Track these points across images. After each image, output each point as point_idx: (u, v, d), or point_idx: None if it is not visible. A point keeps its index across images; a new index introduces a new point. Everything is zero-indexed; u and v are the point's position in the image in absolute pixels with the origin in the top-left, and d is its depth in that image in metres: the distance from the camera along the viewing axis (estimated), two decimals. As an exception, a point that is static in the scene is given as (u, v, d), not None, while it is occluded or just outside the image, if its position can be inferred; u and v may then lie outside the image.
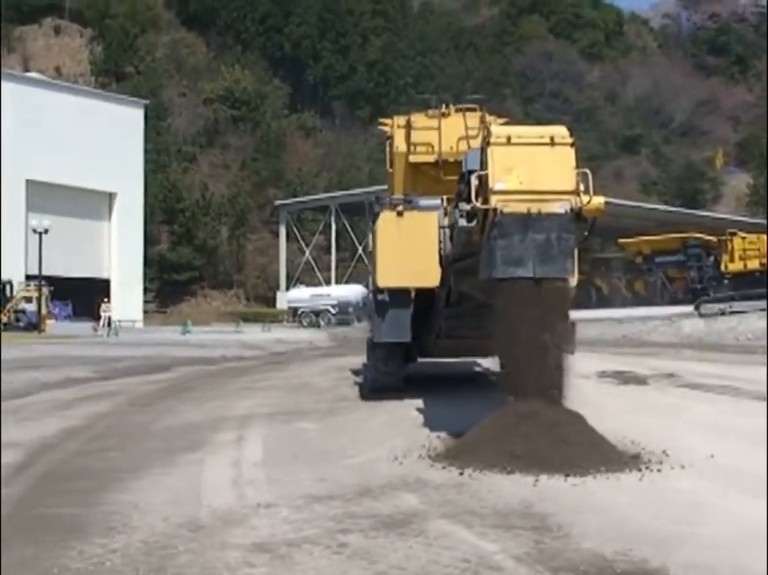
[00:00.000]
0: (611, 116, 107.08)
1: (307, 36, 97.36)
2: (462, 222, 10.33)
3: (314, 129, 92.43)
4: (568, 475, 8.55)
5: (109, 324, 48.63)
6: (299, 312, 58.11)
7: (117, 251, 62.30)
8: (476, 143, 16.65)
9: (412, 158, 16.81)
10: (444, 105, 17.60)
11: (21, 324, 48.15)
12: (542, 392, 9.53)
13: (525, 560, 6.10)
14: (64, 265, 55.16)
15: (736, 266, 44.70)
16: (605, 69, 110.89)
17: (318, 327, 54.02)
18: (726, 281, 44.89)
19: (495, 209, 9.61)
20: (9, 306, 49.21)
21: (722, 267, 46.16)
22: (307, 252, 72.62)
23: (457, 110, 17.37)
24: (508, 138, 9.83)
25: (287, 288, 67.85)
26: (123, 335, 44.61)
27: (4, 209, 52.88)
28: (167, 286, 72.31)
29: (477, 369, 18.53)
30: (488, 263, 9.82)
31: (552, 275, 9.62)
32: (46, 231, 47.39)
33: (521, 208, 9.58)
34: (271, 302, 71.15)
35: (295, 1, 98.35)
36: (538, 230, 9.58)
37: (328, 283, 67.58)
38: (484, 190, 9.76)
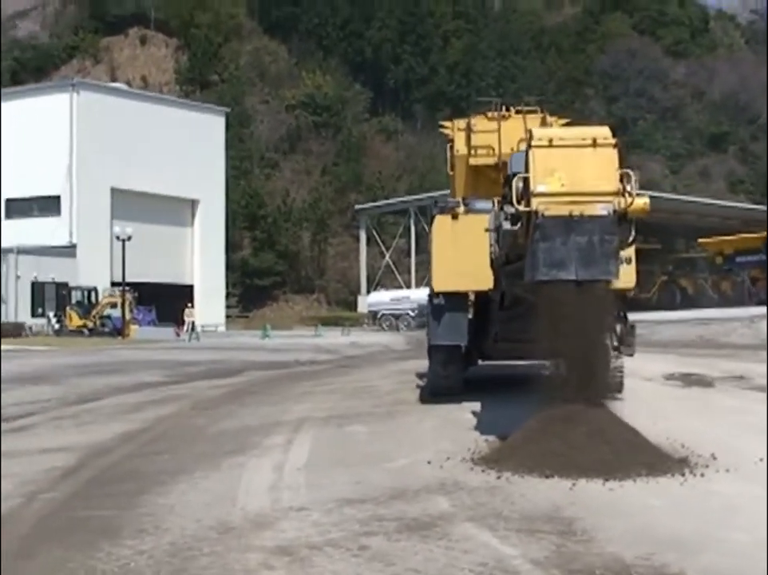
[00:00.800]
0: (696, 113, 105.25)
1: (388, 40, 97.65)
2: (506, 225, 10.32)
3: (395, 133, 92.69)
4: (607, 479, 8.49)
5: (193, 329, 49.39)
6: (379, 316, 58.26)
7: (200, 257, 63.32)
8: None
9: (472, 161, 16.78)
10: (504, 108, 17.50)
11: (107, 329, 49.23)
12: (584, 395, 9.48)
13: (543, 564, 6.08)
14: (148, 271, 56.21)
15: (819, 265, 43.69)
16: (690, 66, 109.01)
17: (398, 330, 54.15)
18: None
19: (536, 212, 9.58)
20: (94, 312, 50.29)
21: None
22: (387, 256, 72.80)
23: (517, 112, 17.20)
24: (550, 140, 9.77)
25: (368, 292, 68.11)
26: (204, 340, 45.30)
27: (89, 217, 54.13)
28: (250, 291, 73.22)
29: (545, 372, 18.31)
30: (531, 266, 9.77)
31: (595, 277, 9.56)
32: (129, 239, 48.34)
33: (563, 210, 9.52)
34: (352, 306, 71.50)
35: (376, 5, 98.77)
36: (580, 232, 9.51)
37: (408, 286, 67.65)
38: (526, 193, 9.74)
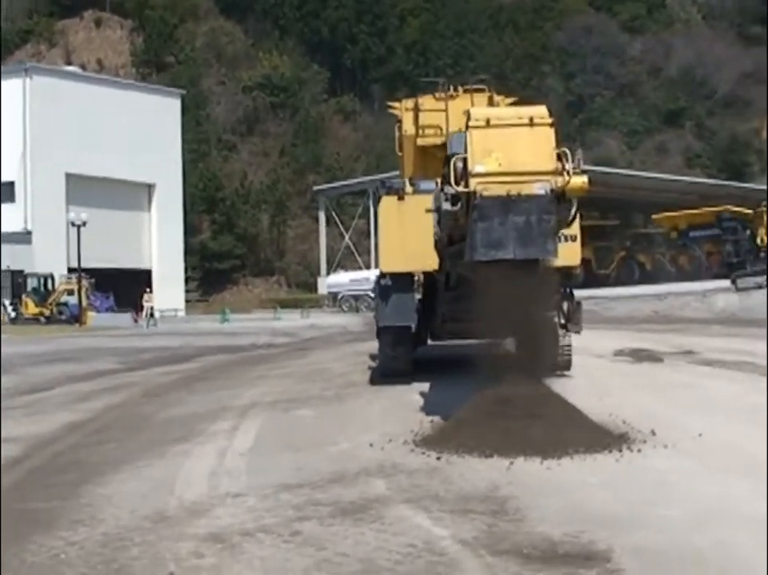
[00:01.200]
0: (653, 89, 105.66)
1: (344, 19, 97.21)
2: (446, 206, 10.30)
3: (353, 113, 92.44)
4: (544, 457, 8.54)
5: (152, 315, 49.11)
6: (339, 297, 58.21)
7: (158, 242, 62.94)
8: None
9: (420, 141, 16.75)
10: (451, 87, 17.48)
11: (64, 317, 48.84)
12: (523, 373, 9.53)
13: (471, 544, 6.11)
14: (105, 257, 55.76)
15: (773, 239, 44.13)
16: (647, 42, 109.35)
17: (358, 311, 54.12)
18: (762, 254, 44.26)
19: (475, 192, 9.59)
20: (51, 299, 49.86)
21: (759, 241, 45.52)
22: (347, 237, 72.74)
23: (465, 91, 17.17)
24: (488, 120, 9.77)
25: (328, 273, 68.02)
26: (162, 326, 45.10)
27: (44, 203, 53.58)
28: (209, 275, 72.91)
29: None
30: (470, 246, 9.80)
31: (532, 256, 9.59)
32: (84, 224, 47.93)
33: (501, 190, 9.54)
34: (313, 288, 71.40)
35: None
36: (518, 212, 9.53)
37: (368, 267, 67.59)
38: (465, 173, 9.75)
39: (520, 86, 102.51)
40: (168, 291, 60.50)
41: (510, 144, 9.67)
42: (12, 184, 55.32)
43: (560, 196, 9.96)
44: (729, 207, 52.80)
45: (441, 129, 16.59)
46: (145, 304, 51.33)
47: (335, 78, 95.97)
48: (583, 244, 46.35)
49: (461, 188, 9.73)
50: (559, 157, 9.87)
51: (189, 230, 67.76)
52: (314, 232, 75.65)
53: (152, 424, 12.03)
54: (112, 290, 54.39)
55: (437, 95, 17.19)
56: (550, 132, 9.73)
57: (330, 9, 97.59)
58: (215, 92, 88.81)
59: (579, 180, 10.18)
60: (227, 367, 20.36)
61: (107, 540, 6.56)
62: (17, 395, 16.45)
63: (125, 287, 54.86)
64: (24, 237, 53.94)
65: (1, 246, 51.89)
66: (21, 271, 52.13)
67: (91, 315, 48.10)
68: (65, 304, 49.52)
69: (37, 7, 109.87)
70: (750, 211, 49.09)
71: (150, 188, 63.09)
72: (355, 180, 74.93)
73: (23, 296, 50.29)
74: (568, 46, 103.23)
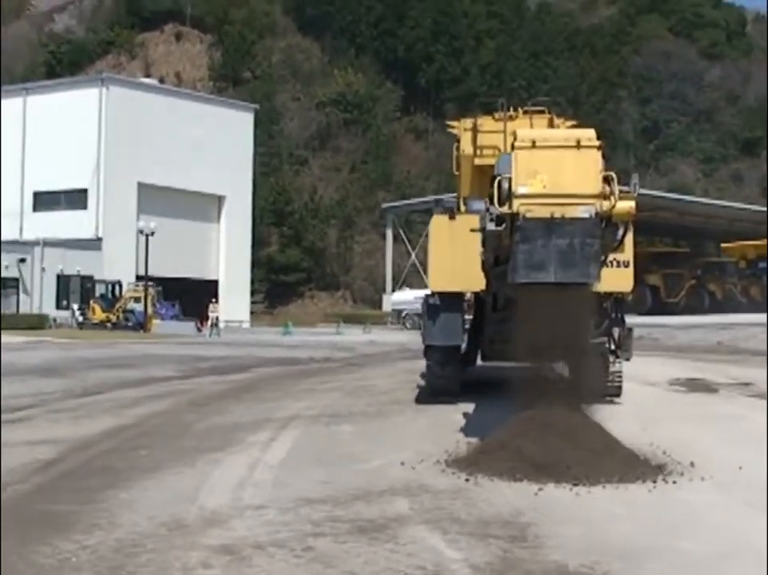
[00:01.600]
0: (731, 117, 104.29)
1: (421, 39, 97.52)
2: (491, 226, 10.20)
3: (425, 132, 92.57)
4: (575, 484, 8.38)
5: (216, 325, 49.50)
6: (403, 314, 58.07)
7: (225, 253, 63.51)
8: (543, 146, 16.58)
9: (477, 161, 16.63)
10: (511, 108, 17.36)
11: (130, 324, 49.39)
12: (561, 398, 9.39)
13: (482, 569, 5.99)
14: (174, 266, 56.43)
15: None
16: (726, 69, 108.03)
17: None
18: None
19: (518, 213, 9.50)
20: (117, 305, 50.53)
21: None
22: (413, 255, 72.63)
23: (525, 113, 17.04)
24: (533, 142, 9.67)
25: (393, 290, 67.99)
26: (226, 336, 45.41)
27: (116, 211, 54.43)
28: (276, 287, 73.37)
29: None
30: (512, 268, 9.70)
31: (574, 280, 9.44)
32: (153, 233, 48.55)
33: (544, 212, 9.42)
34: (377, 304, 71.44)
35: (409, 4, 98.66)
36: (561, 234, 9.41)
37: (434, 286, 67.29)
38: (509, 194, 9.66)
39: (594, 110, 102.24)
40: (234, 302, 61.02)
41: (556, 166, 9.55)
42: (85, 191, 56.32)
43: (606, 220, 9.82)
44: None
45: (499, 150, 16.47)
46: (211, 314, 51.72)
47: (409, 97, 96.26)
48: (650, 272, 45.94)
49: (505, 209, 9.64)
50: (606, 180, 9.74)
51: (257, 242, 68.29)
52: (381, 249, 75.80)
53: (191, 432, 12.06)
54: (180, 299, 54.92)
55: (496, 116, 17.05)
56: (597, 155, 9.59)
57: (406, 28, 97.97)
58: (290, 107, 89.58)
59: (627, 205, 10.02)
60: (280, 379, 20.38)
61: (120, 545, 6.56)
62: (67, 398, 16.66)
63: (192, 297, 55.32)
64: (94, 244, 54.81)
65: (73, 252, 52.86)
66: (91, 277, 52.98)
67: (156, 322, 48.61)
68: (132, 311, 50.11)
69: (119, 19, 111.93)
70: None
71: (220, 199, 63.72)
72: (424, 199, 74.83)
73: (91, 302, 51.04)
74: (645, 71, 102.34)
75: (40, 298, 52.22)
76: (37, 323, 49.06)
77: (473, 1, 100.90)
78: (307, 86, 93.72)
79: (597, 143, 9.64)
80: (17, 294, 51.71)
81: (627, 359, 14.80)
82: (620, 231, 10.52)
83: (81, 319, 51.04)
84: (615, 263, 14.08)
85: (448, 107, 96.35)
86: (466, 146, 16.89)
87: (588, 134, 9.77)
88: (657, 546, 6.56)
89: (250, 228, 65.15)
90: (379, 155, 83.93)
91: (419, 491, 8.16)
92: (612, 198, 9.52)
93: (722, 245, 58.78)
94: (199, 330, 48.26)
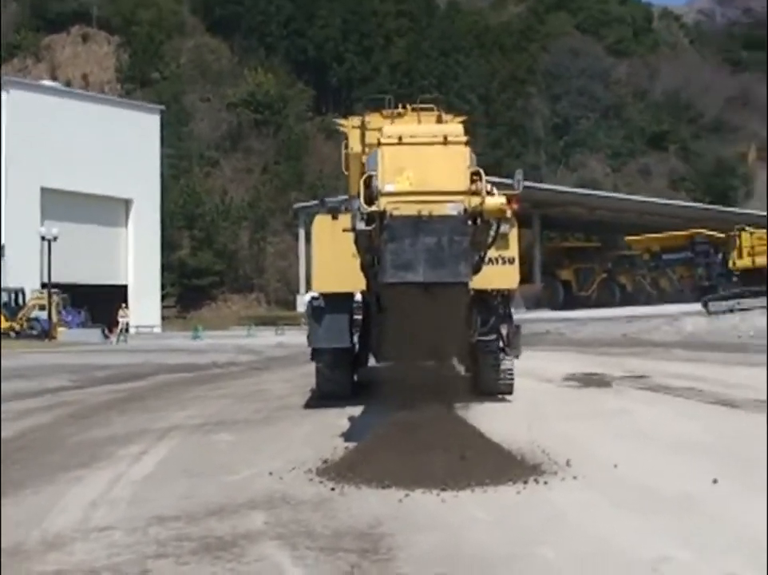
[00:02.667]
0: (639, 112, 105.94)
1: (331, 38, 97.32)
2: (361, 225, 9.93)
3: (337, 132, 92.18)
4: (444, 489, 8.15)
5: (127, 330, 48.66)
6: (316, 315, 57.38)
7: (134, 257, 62.57)
8: (431, 143, 16.40)
9: (365, 159, 16.39)
10: (400, 105, 17.16)
11: (35, 332, 48.28)
12: (433, 400, 9.15)
13: (324, 588, 5.72)
14: (82, 272, 55.35)
15: (744, 262, 43.89)
16: (633, 64, 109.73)
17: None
18: (734, 278, 44.11)
19: (384, 212, 9.25)
20: (21, 314, 49.37)
21: (731, 264, 45.36)
22: (327, 255, 72.16)
23: (413, 110, 16.83)
24: (399, 138, 9.43)
25: (307, 291, 67.45)
26: (133, 342, 44.64)
27: (18, 217, 53.12)
28: (188, 291, 72.48)
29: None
30: (381, 268, 9.47)
31: (443, 279, 9.22)
32: (56, 239, 47.53)
33: (411, 210, 9.19)
34: (292, 305, 70.98)
35: (319, 3, 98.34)
36: (429, 233, 9.18)
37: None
38: (375, 192, 9.41)
39: (505, 107, 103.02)
40: (145, 307, 60.13)
41: (423, 162, 9.31)
42: (-14, 197, 55.03)
43: (477, 217, 9.63)
44: (701, 230, 52.77)
45: (386, 148, 16.24)
46: (120, 320, 50.84)
47: (321, 97, 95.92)
48: (561, 266, 46.31)
49: (372, 208, 9.40)
50: (476, 177, 9.56)
51: (168, 246, 67.40)
52: (294, 250, 75.30)
53: (64, 447, 11.58)
54: (89, 305, 53.89)
55: (384, 112, 16.83)
56: (465, 151, 9.37)
57: (316, 28, 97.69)
58: (199, 108, 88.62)
59: (498, 201, 9.84)
60: (173, 386, 19.91)
61: (-54, 576, 6.15)
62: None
63: (102, 302, 54.41)
64: (-3, 251, 53.58)
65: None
66: (-6, 286, 51.72)
67: (61, 330, 47.62)
68: (36, 319, 49.02)
69: (25, 22, 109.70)
70: (722, 234, 48.99)
71: (127, 203, 62.74)
72: (337, 199, 74.39)
73: (-7, 311, 49.86)
74: (553, 68, 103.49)
75: (-61, 308, 50.75)
76: (-62, 334, 47.74)
77: (382, 1, 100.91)
78: (217, 87, 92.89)
79: (465, 138, 9.42)
80: None
81: (516, 357, 14.67)
82: (493, 228, 10.32)
83: (-18, 328, 49.74)
84: (500, 259, 13.97)
85: (359, 106, 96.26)
86: (354, 144, 16.64)
87: (456, 130, 9.56)
88: (514, 553, 6.35)
89: (159, 231, 64.28)
90: (291, 155, 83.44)
91: (280, 503, 7.85)
92: (481, 195, 9.32)
93: (626, 238, 59.61)
94: (106, 337, 47.34)
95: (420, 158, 9.33)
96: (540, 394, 15.45)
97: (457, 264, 9.22)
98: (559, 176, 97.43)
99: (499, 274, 13.89)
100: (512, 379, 15.06)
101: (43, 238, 47.68)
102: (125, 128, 60.44)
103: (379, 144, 9.50)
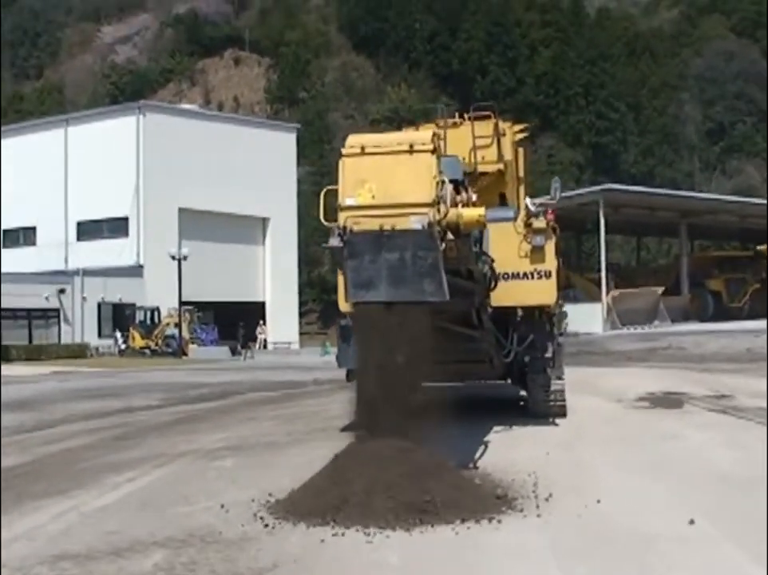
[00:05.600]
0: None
1: (474, 51, 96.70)
2: (333, 242, 9.38)
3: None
4: (382, 527, 7.49)
5: (265, 346, 49.19)
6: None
7: (272, 275, 63.22)
8: (489, 152, 15.72)
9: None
10: (457, 114, 16.59)
11: (170, 350, 49.26)
12: (392, 428, 8.48)
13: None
14: (219, 290, 56.28)
15: None
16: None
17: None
18: None
19: (345, 227, 8.69)
20: (156, 332, 50.49)
21: None
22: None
23: (471, 119, 16.20)
24: (363, 148, 8.85)
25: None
26: (261, 358, 44.98)
27: (157, 238, 54.42)
28: (329, 307, 72.80)
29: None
30: (346, 286, 8.91)
31: (405, 298, 8.57)
32: (185, 258, 48.41)
33: (373, 224, 8.59)
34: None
35: (462, 17, 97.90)
36: (391, 248, 8.57)
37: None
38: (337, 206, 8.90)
39: (657, 114, 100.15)
40: (282, 324, 60.68)
41: (386, 173, 8.69)
42: (126, 219, 56.51)
43: (452, 230, 8.94)
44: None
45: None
46: (258, 336, 51.44)
47: (465, 110, 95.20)
48: (711, 277, 43.94)
49: (332, 224, 8.89)
50: (462, 186, 8.94)
51: (309, 262, 67.94)
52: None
53: (63, 473, 11.26)
54: (229, 322, 54.41)
55: (440, 123, 16.24)
56: (431, 160, 8.69)
57: (460, 41, 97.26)
58: (342, 125, 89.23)
59: (475, 213, 9.14)
60: (245, 406, 19.57)
61: None
62: (8, 435, 16.11)
63: (240, 320, 54.99)
64: (136, 271, 54.90)
65: (115, 280, 53.02)
66: (133, 305, 53.08)
67: (192, 347, 48.47)
68: (173, 337, 49.95)
69: (180, 47, 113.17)
70: None
71: (264, 221, 63.49)
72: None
73: (131, 329, 51.09)
74: (707, 72, 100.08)
75: (81, 327, 52.39)
76: (79, 352, 49.34)
77: (527, 11, 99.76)
78: (361, 104, 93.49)
79: (431, 146, 8.74)
80: (59, 324, 51.96)
81: (559, 378, 13.77)
82: (475, 243, 9.60)
83: (123, 346, 51.12)
84: (535, 274, 13.15)
85: (504, 118, 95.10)
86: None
87: (423, 137, 8.90)
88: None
89: (296, 248, 64.79)
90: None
91: (195, 542, 7.33)
92: (445, 206, 8.62)
93: (758, 248, 56.71)
94: (233, 353, 47.85)
95: (383, 169, 8.72)
96: (595, 416, 14.50)
97: (421, 282, 8.57)
98: (714, 183, 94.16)
99: (534, 289, 13.07)
100: (564, 401, 14.20)
101: (173, 257, 48.67)
102: (261, 147, 61.25)
103: (341, 155, 8.95)
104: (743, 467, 10.00)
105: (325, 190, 9.10)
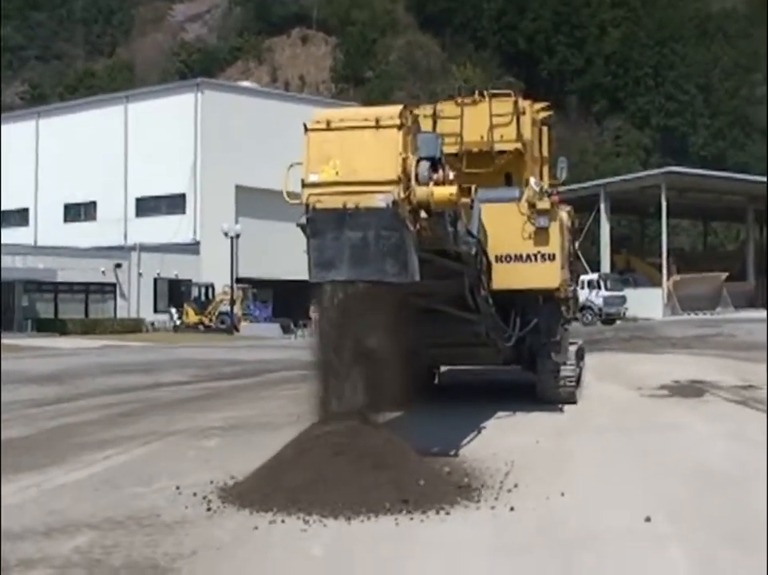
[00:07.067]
0: None
1: (542, 31, 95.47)
2: (302, 220, 9.13)
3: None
4: (324, 516, 7.26)
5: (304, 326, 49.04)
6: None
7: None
8: (507, 131, 15.32)
9: (434, 149, 15.45)
10: (475, 92, 16.18)
11: (223, 326, 49.41)
12: (349, 412, 8.24)
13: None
14: (276, 268, 56.19)
15: None
16: None
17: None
18: None
19: (308, 205, 8.45)
20: (209, 308, 50.72)
21: None
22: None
23: (490, 96, 15.78)
24: (328, 123, 8.57)
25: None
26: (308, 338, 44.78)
27: (213, 215, 54.47)
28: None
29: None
30: (308, 266, 8.66)
31: (367, 278, 8.29)
32: (238, 236, 48.45)
33: (336, 202, 8.33)
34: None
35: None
36: (354, 227, 8.30)
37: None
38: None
39: (728, 96, 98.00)
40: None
41: (351, 149, 8.41)
42: (183, 196, 56.74)
43: (423, 209, 8.64)
44: None
45: (461, 138, 15.30)
46: (312, 315, 51.25)
47: (530, 90, 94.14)
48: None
49: (294, 201, 8.66)
50: (437, 165, 8.65)
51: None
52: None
53: (52, 449, 11.23)
54: (285, 301, 54.15)
55: (458, 100, 15.85)
56: (397, 136, 8.37)
57: (527, 21, 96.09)
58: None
59: (446, 191, 8.78)
60: (267, 384, 19.45)
61: None
62: (27, 408, 16.14)
63: (297, 298, 54.81)
64: (192, 248, 55.13)
65: (172, 256, 53.35)
66: (189, 281, 53.40)
67: (244, 324, 48.61)
68: (226, 313, 50.07)
69: (248, 26, 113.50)
70: None
71: (321, 199, 63.24)
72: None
73: (185, 305, 51.42)
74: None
75: (137, 302, 52.83)
76: (134, 326, 49.80)
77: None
78: (426, 83, 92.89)
79: (398, 121, 8.42)
80: (115, 299, 52.46)
81: (564, 363, 13.40)
82: (451, 223, 9.27)
83: (178, 322, 51.46)
84: (538, 256, 12.77)
85: (570, 99, 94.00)
86: (426, 134, 15.72)
87: (390, 112, 8.57)
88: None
89: (351, 227, 64.44)
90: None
91: (132, 524, 7.18)
92: (411, 184, 8.32)
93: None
94: (287, 331, 47.78)
95: (348, 145, 8.44)
96: (604, 405, 14.11)
97: (383, 261, 8.28)
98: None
99: (537, 272, 12.70)
100: (573, 387, 13.85)
101: (226, 234, 48.71)
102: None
103: (306, 129, 8.69)
104: (733, 463, 9.59)
105: (289, 165, 8.83)
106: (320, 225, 8.39)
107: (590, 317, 52.71)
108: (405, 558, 6.35)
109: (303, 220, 8.93)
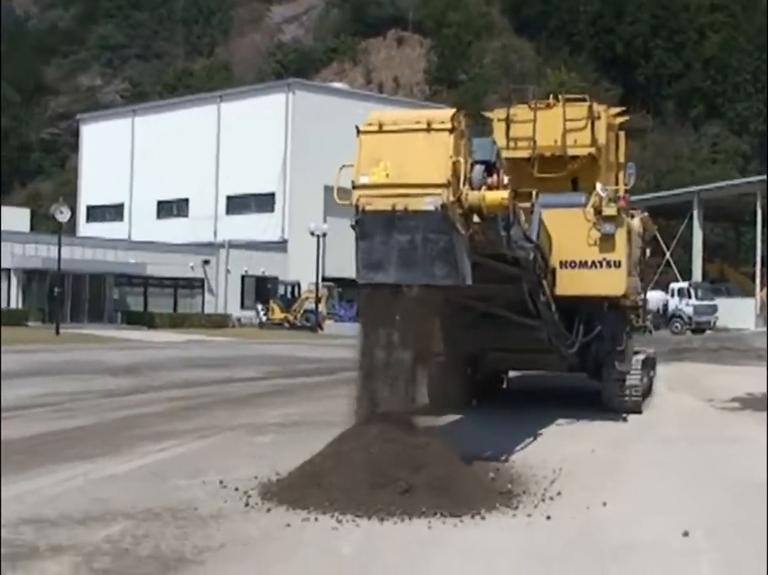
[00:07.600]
0: None
1: (640, 34, 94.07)
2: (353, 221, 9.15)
3: (642, 131, 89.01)
4: (359, 516, 7.29)
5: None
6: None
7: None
8: (581, 136, 15.15)
9: (506, 153, 15.35)
10: (552, 96, 16.03)
11: (309, 324, 49.74)
12: (394, 415, 8.25)
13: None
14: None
15: None
16: None
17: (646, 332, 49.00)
18: None
19: (357, 207, 8.48)
20: (295, 306, 51.15)
21: None
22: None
23: (564, 101, 15.65)
24: (380, 125, 8.59)
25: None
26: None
27: (302, 214, 54.89)
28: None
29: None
30: (356, 268, 8.68)
31: (414, 281, 8.28)
32: (324, 235, 48.74)
33: (385, 204, 8.34)
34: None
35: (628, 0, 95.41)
36: (403, 230, 8.30)
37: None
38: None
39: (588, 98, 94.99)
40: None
41: (402, 152, 8.41)
42: (272, 194, 57.36)
43: (475, 213, 8.61)
44: None
45: (534, 142, 15.20)
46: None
47: (627, 94, 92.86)
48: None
49: (345, 202, 8.70)
50: (495, 168, 8.64)
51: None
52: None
53: (113, 438, 11.47)
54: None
55: (533, 104, 15.74)
56: (448, 139, 8.34)
57: (625, 24, 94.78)
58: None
59: (498, 196, 8.73)
60: (337, 384, 19.45)
61: None
62: (98, 398, 16.44)
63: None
64: (280, 246, 55.71)
65: (259, 253, 53.95)
66: (276, 278, 53.99)
67: (329, 323, 48.88)
68: (311, 311, 50.40)
69: (344, 27, 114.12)
70: None
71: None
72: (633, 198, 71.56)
73: (271, 302, 51.95)
74: None
75: (225, 298, 53.57)
76: (221, 322, 50.48)
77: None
78: (520, 85, 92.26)
79: (449, 125, 8.40)
80: (203, 294, 53.27)
81: (628, 371, 13.21)
82: (503, 227, 9.21)
83: (264, 318, 51.97)
84: (604, 263, 12.61)
85: (667, 104, 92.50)
86: (499, 137, 15.62)
87: (442, 116, 8.54)
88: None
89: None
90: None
91: (167, 516, 7.28)
92: (462, 187, 8.30)
93: None
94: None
95: (399, 147, 8.44)
96: (670, 415, 13.90)
97: (431, 265, 8.27)
98: None
99: (603, 278, 12.55)
100: (639, 396, 13.64)
101: (313, 233, 49.01)
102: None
103: (358, 132, 8.72)
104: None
105: (341, 167, 8.87)
106: (369, 227, 8.40)
107: (679, 326, 51.96)
108: (431, 561, 6.33)
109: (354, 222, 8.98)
